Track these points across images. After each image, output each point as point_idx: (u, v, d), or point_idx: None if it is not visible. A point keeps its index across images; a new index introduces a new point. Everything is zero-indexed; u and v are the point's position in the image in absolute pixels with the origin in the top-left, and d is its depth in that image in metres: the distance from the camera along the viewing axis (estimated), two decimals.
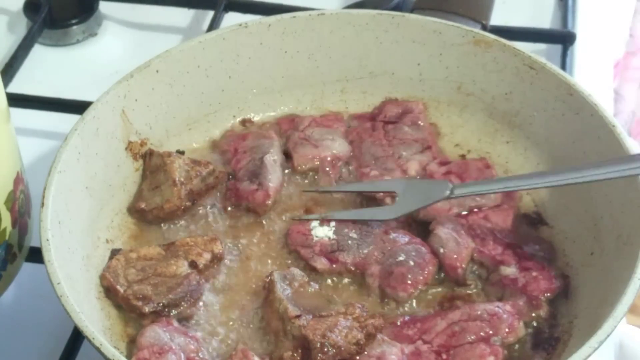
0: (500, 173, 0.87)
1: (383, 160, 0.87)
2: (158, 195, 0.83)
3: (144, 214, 0.83)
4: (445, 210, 0.82)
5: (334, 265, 0.79)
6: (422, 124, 0.89)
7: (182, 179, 0.83)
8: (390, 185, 0.84)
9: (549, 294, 0.77)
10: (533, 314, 0.76)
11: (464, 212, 0.83)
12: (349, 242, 0.80)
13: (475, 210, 0.83)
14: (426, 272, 0.78)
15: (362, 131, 0.90)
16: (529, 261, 0.79)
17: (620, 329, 0.93)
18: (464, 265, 0.79)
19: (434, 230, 0.81)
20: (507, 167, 0.88)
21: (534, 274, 0.77)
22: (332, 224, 0.82)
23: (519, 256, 0.79)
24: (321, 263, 0.79)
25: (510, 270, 0.78)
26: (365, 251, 0.80)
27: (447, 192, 0.80)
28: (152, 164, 0.85)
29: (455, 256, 0.79)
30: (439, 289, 0.79)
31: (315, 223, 0.82)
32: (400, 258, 0.79)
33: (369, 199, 0.85)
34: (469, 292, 0.79)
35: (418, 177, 0.86)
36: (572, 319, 0.76)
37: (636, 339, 0.96)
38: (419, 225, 0.83)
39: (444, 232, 0.80)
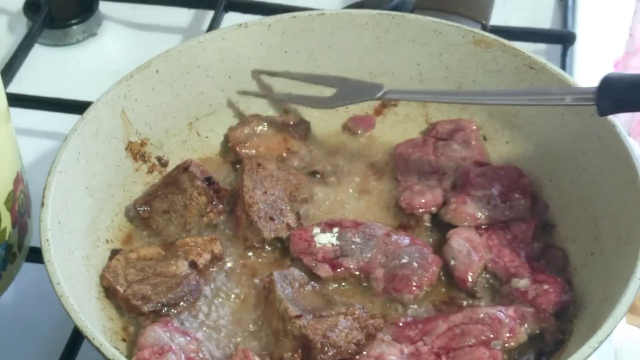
0: None
1: (427, 176, 0.86)
2: (167, 220, 0.83)
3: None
4: (473, 219, 0.82)
5: (338, 270, 0.79)
6: (473, 143, 0.88)
7: (197, 218, 0.83)
8: (329, 81, 0.89)
9: (557, 307, 0.76)
10: (537, 326, 0.75)
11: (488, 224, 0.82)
12: (352, 247, 0.80)
13: (501, 223, 0.82)
14: (430, 273, 0.78)
15: (412, 145, 0.89)
16: (542, 274, 0.78)
17: (620, 329, 0.93)
18: (472, 279, 0.78)
19: (449, 239, 0.80)
20: None
21: (545, 287, 0.77)
22: (335, 230, 0.81)
23: (533, 269, 0.79)
24: (324, 271, 0.79)
25: (522, 283, 0.77)
26: (369, 255, 0.80)
27: (380, 94, 0.85)
28: (175, 175, 0.84)
29: (465, 269, 0.78)
30: (443, 290, 0.79)
31: (317, 229, 0.81)
32: (404, 260, 0.79)
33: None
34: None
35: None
36: (572, 319, 0.76)
37: (636, 339, 0.96)
38: (439, 233, 0.83)
39: (457, 243, 0.80)
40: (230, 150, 0.90)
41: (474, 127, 0.89)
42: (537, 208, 0.84)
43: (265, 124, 0.90)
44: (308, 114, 0.92)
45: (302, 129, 0.91)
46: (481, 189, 0.83)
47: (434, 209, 0.84)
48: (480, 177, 0.84)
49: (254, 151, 0.88)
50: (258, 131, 0.89)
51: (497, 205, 0.82)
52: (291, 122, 0.91)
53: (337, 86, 0.88)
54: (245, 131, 0.89)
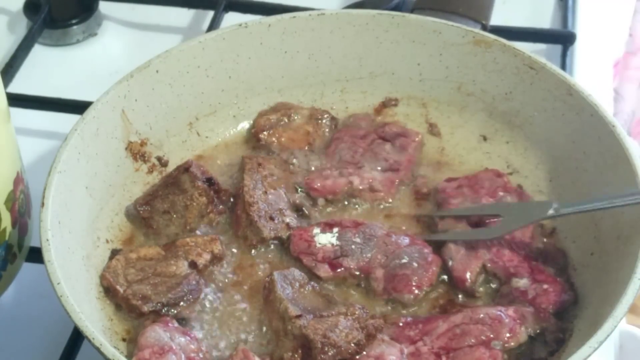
0: None
1: (344, 165, 0.87)
2: (168, 221, 0.83)
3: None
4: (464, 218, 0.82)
5: (338, 271, 0.79)
6: (410, 150, 0.88)
7: (197, 219, 0.83)
8: (496, 209, 0.82)
9: (557, 307, 0.76)
10: (538, 326, 0.75)
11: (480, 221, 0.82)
12: (352, 247, 0.80)
13: (494, 219, 0.82)
14: (430, 273, 0.78)
15: (351, 134, 0.90)
16: (542, 274, 0.78)
17: (620, 329, 0.93)
18: (471, 279, 0.78)
19: (447, 240, 0.81)
20: (506, 167, 0.88)
21: (545, 286, 0.77)
22: (335, 230, 0.81)
23: (533, 269, 0.79)
24: (324, 271, 0.79)
25: (522, 283, 0.77)
26: (369, 255, 0.79)
27: (551, 211, 0.78)
28: (176, 175, 0.84)
29: (463, 269, 0.78)
30: (444, 290, 0.79)
31: (317, 229, 0.81)
32: (404, 260, 0.79)
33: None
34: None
35: (362, 189, 0.85)
36: (572, 319, 0.76)
37: (636, 339, 0.96)
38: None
39: (455, 244, 0.80)
40: (252, 136, 0.90)
41: (417, 139, 0.89)
42: None
43: (293, 113, 0.90)
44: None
45: (330, 123, 0.91)
46: (461, 197, 0.84)
47: (330, 196, 0.85)
48: (457, 189, 0.84)
49: (274, 140, 0.89)
50: (285, 120, 0.90)
51: (485, 204, 0.83)
52: (318, 115, 0.91)
53: (503, 214, 0.81)
54: (272, 119, 0.90)
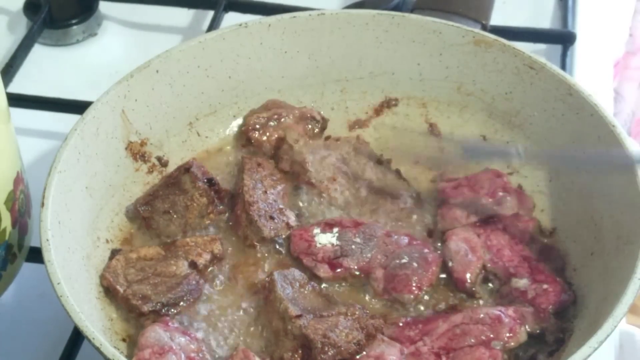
0: None
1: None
2: (168, 221, 0.83)
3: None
4: (464, 218, 0.82)
5: (338, 271, 0.79)
6: None
7: (197, 219, 0.83)
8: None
9: (556, 307, 0.76)
10: (538, 326, 0.75)
11: (480, 221, 0.82)
12: (353, 247, 0.80)
13: (494, 219, 0.82)
14: (430, 273, 0.78)
15: None
16: (542, 274, 0.78)
17: (620, 329, 0.93)
18: (471, 279, 0.78)
19: (446, 240, 0.81)
20: (506, 167, 0.88)
21: (545, 286, 0.77)
22: (335, 230, 0.81)
23: (533, 269, 0.79)
24: (324, 271, 0.79)
25: (522, 283, 0.77)
26: (369, 255, 0.79)
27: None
28: (176, 175, 0.84)
29: (463, 269, 0.78)
30: (444, 290, 0.79)
31: (317, 229, 0.81)
32: (404, 260, 0.79)
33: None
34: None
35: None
36: (572, 319, 0.76)
37: (636, 339, 0.96)
38: (436, 235, 0.83)
39: (455, 244, 0.80)
40: (242, 134, 0.90)
41: None
42: (525, 204, 0.84)
43: (284, 113, 0.90)
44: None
45: (320, 124, 0.91)
46: (461, 197, 0.84)
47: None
48: (457, 189, 0.84)
49: (264, 140, 0.89)
50: (275, 119, 0.89)
51: (484, 203, 0.83)
52: (308, 115, 0.90)
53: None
54: (262, 118, 0.90)
